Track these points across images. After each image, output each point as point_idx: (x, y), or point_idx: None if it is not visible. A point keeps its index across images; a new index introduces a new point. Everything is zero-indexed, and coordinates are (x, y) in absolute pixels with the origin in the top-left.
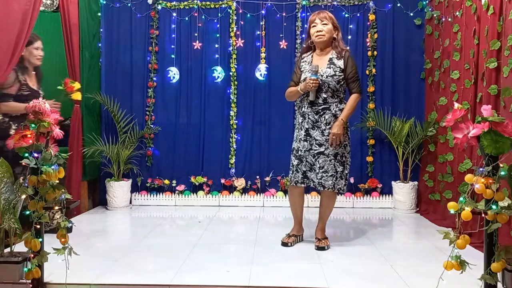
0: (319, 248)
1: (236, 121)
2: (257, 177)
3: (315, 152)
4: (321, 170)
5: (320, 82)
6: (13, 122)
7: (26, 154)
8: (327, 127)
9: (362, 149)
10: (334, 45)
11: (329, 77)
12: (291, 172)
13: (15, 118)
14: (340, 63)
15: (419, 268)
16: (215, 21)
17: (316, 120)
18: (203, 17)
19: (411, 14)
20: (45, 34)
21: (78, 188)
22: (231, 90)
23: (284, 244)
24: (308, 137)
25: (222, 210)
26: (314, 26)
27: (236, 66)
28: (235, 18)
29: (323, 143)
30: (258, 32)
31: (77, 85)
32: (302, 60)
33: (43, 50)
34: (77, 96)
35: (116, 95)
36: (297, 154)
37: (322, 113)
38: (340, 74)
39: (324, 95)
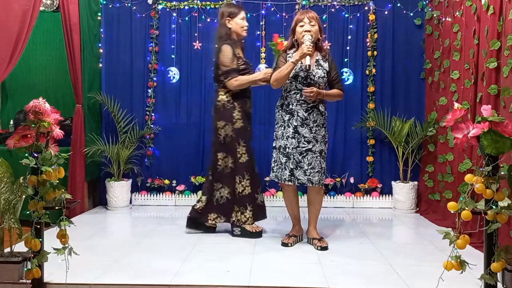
0: (323, 248)
1: None
2: None
3: (303, 149)
4: (309, 167)
5: (312, 82)
6: (237, 103)
7: (26, 154)
8: (315, 124)
9: (362, 149)
10: (319, 46)
11: (320, 78)
12: (280, 170)
13: (237, 98)
14: (326, 65)
15: (419, 268)
16: (215, 21)
17: (306, 118)
18: (203, 17)
19: (411, 14)
20: (45, 34)
21: (81, 188)
22: None
23: (284, 244)
24: (296, 135)
25: None
26: (302, 25)
27: None
28: None
29: (311, 140)
30: (258, 32)
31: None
32: (287, 55)
33: (246, 20)
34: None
35: (116, 95)
36: (284, 152)
37: (311, 111)
38: (326, 76)
39: None
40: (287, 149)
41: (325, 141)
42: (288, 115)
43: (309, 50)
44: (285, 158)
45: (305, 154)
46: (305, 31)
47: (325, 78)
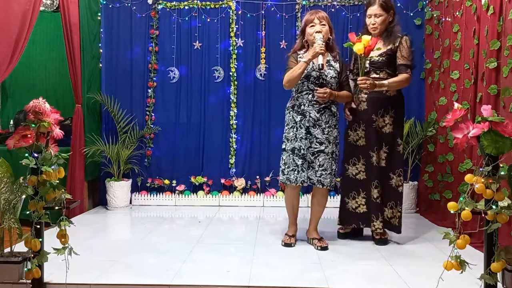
0: (323, 248)
1: (236, 121)
2: (257, 177)
3: (315, 150)
4: (321, 168)
5: (325, 82)
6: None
7: (26, 154)
8: (327, 125)
9: None
10: (330, 46)
11: (332, 79)
12: (295, 172)
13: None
14: (337, 66)
15: (419, 268)
16: (215, 21)
17: (318, 119)
18: (203, 17)
19: (411, 14)
20: (45, 34)
21: (81, 188)
22: (231, 90)
23: (288, 245)
24: (309, 135)
25: (222, 210)
26: (313, 26)
27: (236, 66)
28: (235, 18)
29: (324, 142)
30: (258, 32)
31: (365, 40)
32: (298, 56)
33: (378, 17)
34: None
35: (116, 95)
36: (299, 154)
37: (323, 111)
38: (337, 76)
39: None
40: (302, 151)
41: (337, 143)
42: (300, 116)
43: (321, 49)
44: (302, 160)
45: (317, 155)
46: (316, 31)
47: (337, 79)
